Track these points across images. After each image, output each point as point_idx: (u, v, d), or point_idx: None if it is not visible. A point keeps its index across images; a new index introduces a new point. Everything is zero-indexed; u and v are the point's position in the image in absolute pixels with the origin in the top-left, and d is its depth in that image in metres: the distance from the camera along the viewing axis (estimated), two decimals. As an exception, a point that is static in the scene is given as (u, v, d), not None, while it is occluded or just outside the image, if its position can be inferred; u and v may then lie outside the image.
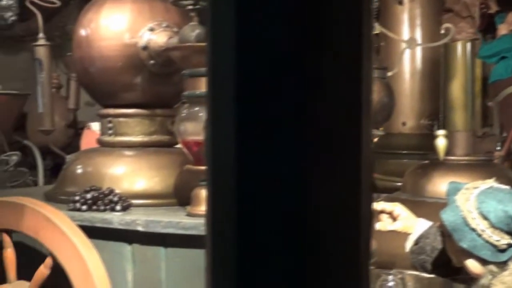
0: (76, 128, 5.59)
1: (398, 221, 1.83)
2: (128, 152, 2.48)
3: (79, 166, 2.52)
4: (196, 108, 2.08)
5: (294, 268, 0.66)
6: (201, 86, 2.07)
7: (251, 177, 0.63)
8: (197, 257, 2.04)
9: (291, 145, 0.57)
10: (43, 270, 2.02)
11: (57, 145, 5.46)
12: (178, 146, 2.61)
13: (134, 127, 2.49)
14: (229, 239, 0.68)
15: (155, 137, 2.52)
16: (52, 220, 1.98)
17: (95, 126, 4.41)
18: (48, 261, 2.01)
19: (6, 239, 2.08)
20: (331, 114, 0.50)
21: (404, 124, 3.68)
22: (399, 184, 3.01)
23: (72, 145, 5.45)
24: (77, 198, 2.21)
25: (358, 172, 0.50)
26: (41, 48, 2.50)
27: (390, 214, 1.84)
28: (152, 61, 2.38)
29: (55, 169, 5.13)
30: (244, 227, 0.66)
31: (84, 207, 2.19)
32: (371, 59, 0.48)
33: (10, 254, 2.08)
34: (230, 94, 0.65)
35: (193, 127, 2.09)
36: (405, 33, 3.62)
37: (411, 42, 2.74)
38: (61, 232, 1.96)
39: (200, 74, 2.06)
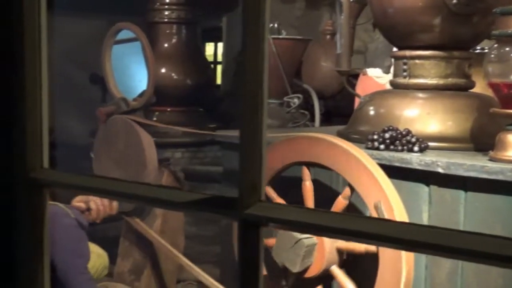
0: (347, 75, 5.67)
1: None
2: (422, 95, 2.46)
3: (372, 107, 2.56)
4: (507, 48, 1.98)
5: None
6: (514, 24, 1.95)
7: None
8: (500, 203, 1.97)
9: None
10: (342, 201, 2.11)
11: (328, 90, 5.63)
12: (473, 90, 2.53)
13: (430, 69, 2.45)
14: None
15: (450, 80, 2.46)
16: (353, 154, 2.04)
17: (371, 71, 4.44)
18: (347, 191, 2.08)
19: (306, 172, 2.19)
20: None
21: None
22: None
23: (343, 91, 5.57)
24: (375, 137, 2.25)
25: None
26: (343, -9, 2.56)
27: None
28: (454, 0, 2.30)
29: (326, 115, 5.31)
30: None
31: (382, 146, 2.23)
32: None
33: (308, 186, 2.18)
34: None
35: (503, 68, 1.99)
36: None
37: None
38: (362, 166, 2.01)
39: (514, 11, 1.95)
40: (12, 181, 1.03)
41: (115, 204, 2.59)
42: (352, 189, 2.05)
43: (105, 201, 2.53)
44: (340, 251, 2.13)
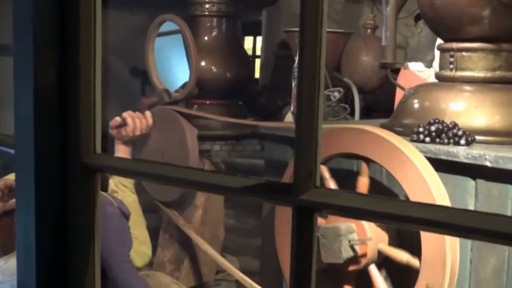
0: (392, 68, 5.60)
1: None
2: (469, 88, 2.41)
3: (416, 100, 2.53)
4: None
5: None
6: None
7: None
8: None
9: None
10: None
11: (368, 85, 5.58)
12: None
13: (477, 62, 2.41)
14: None
15: (498, 73, 2.41)
16: (399, 148, 2.00)
17: (413, 66, 4.38)
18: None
19: (364, 167, 2.15)
20: None
21: None
22: None
23: (383, 86, 5.52)
24: (420, 129, 2.22)
25: None
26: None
27: None
28: (505, -8, 2.26)
29: (365, 109, 5.27)
30: None
31: (428, 139, 2.20)
32: None
33: (363, 183, 2.14)
34: None
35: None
36: None
37: None
38: (407, 160, 1.98)
39: None
40: (65, 166, 1.04)
41: (148, 114, 2.60)
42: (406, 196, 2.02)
43: (139, 113, 2.56)
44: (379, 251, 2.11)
